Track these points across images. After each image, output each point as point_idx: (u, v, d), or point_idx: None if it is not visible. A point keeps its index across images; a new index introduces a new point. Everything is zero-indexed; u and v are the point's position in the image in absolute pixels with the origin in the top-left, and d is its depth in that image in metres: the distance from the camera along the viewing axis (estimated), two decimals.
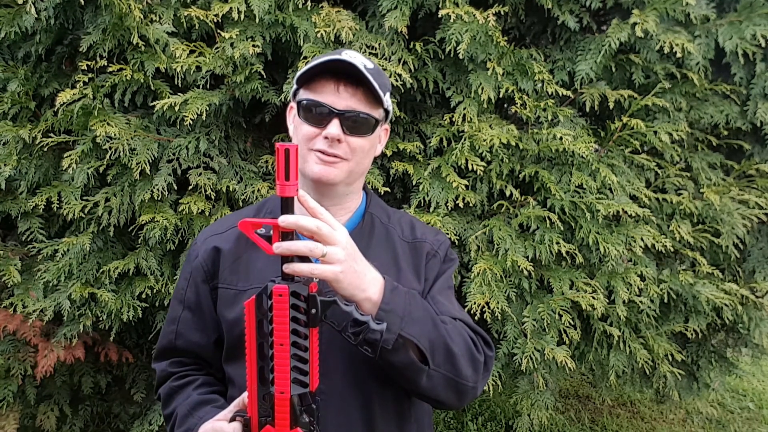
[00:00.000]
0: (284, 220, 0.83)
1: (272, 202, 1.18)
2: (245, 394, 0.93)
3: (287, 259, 0.85)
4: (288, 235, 0.85)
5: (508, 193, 2.13)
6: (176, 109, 1.90)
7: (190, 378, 1.15)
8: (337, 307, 0.88)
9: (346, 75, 1.01)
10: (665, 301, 2.21)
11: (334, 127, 1.01)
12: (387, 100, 1.08)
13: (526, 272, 2.02)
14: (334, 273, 0.87)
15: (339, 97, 1.01)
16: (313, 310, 0.86)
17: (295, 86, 1.09)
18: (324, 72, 1.01)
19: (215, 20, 1.88)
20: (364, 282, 0.91)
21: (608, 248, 2.02)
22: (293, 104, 1.10)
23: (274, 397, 0.87)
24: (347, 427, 1.05)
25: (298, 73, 1.05)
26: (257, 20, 1.86)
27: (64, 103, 1.87)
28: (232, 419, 0.93)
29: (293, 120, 1.10)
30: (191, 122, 1.87)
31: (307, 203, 0.88)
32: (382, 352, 0.91)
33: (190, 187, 2.02)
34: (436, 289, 1.13)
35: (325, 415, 0.96)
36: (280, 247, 0.84)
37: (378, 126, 1.08)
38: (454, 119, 2.07)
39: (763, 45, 2.07)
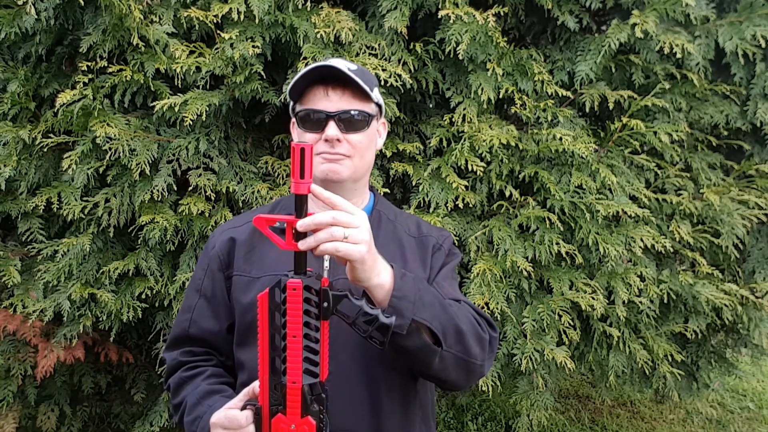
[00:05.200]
0: (302, 224, 0.87)
1: (287, 201, 1.24)
2: (255, 384, 0.96)
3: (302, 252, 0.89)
4: (303, 233, 0.88)
5: (507, 194, 2.13)
6: (176, 109, 1.90)
7: (200, 369, 1.18)
8: (348, 300, 0.91)
9: (333, 79, 1.09)
10: (665, 301, 2.21)
11: (332, 129, 1.09)
12: (376, 94, 1.15)
13: (525, 273, 2.02)
14: (360, 253, 0.89)
15: (330, 101, 1.09)
16: (325, 304, 0.89)
17: (291, 102, 1.17)
18: (312, 82, 1.10)
19: (215, 21, 1.88)
20: (378, 265, 0.95)
21: (608, 249, 2.02)
22: (293, 118, 1.17)
23: (285, 386, 0.90)
24: (354, 407, 1.08)
25: (289, 86, 1.13)
26: (257, 21, 1.86)
27: (64, 103, 1.87)
28: (244, 407, 0.96)
29: (295, 132, 1.17)
30: (191, 123, 1.87)
31: (321, 195, 0.90)
32: (396, 338, 0.94)
33: (190, 188, 2.02)
34: (441, 276, 1.19)
35: (332, 395, 0.99)
36: (306, 243, 0.88)
37: (373, 120, 1.15)
38: (453, 120, 2.07)
39: (763, 45, 2.07)
